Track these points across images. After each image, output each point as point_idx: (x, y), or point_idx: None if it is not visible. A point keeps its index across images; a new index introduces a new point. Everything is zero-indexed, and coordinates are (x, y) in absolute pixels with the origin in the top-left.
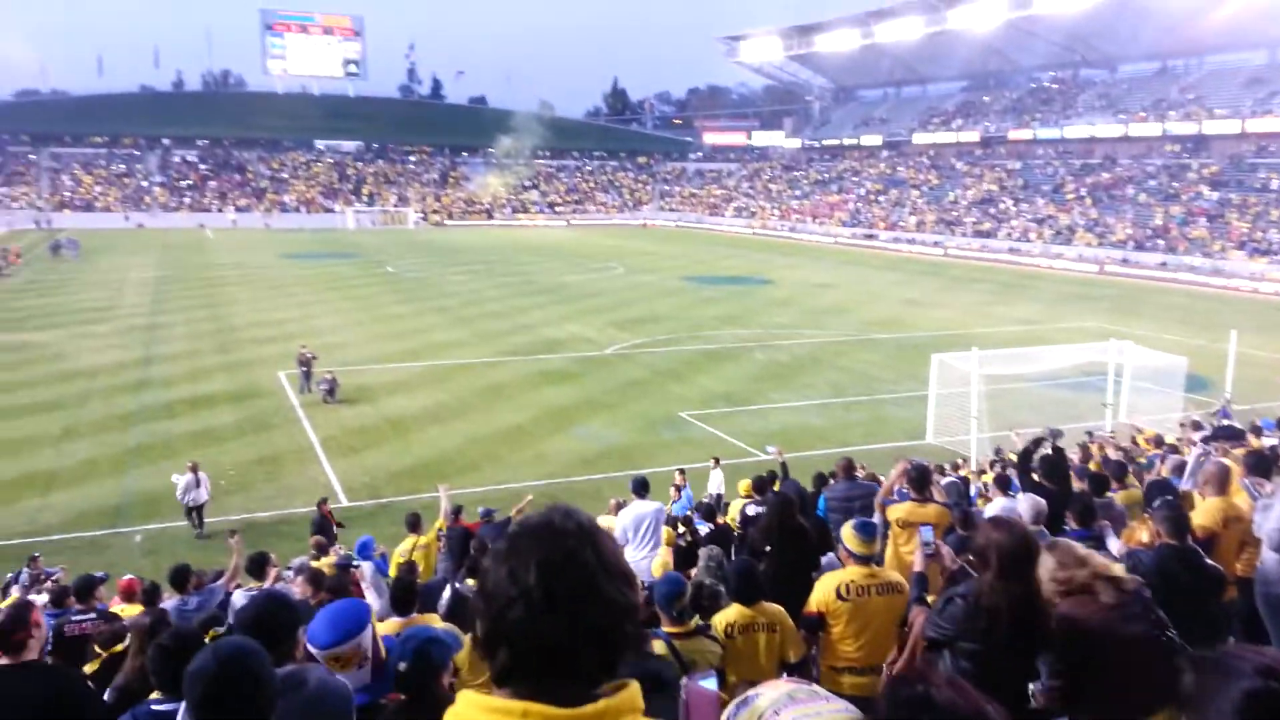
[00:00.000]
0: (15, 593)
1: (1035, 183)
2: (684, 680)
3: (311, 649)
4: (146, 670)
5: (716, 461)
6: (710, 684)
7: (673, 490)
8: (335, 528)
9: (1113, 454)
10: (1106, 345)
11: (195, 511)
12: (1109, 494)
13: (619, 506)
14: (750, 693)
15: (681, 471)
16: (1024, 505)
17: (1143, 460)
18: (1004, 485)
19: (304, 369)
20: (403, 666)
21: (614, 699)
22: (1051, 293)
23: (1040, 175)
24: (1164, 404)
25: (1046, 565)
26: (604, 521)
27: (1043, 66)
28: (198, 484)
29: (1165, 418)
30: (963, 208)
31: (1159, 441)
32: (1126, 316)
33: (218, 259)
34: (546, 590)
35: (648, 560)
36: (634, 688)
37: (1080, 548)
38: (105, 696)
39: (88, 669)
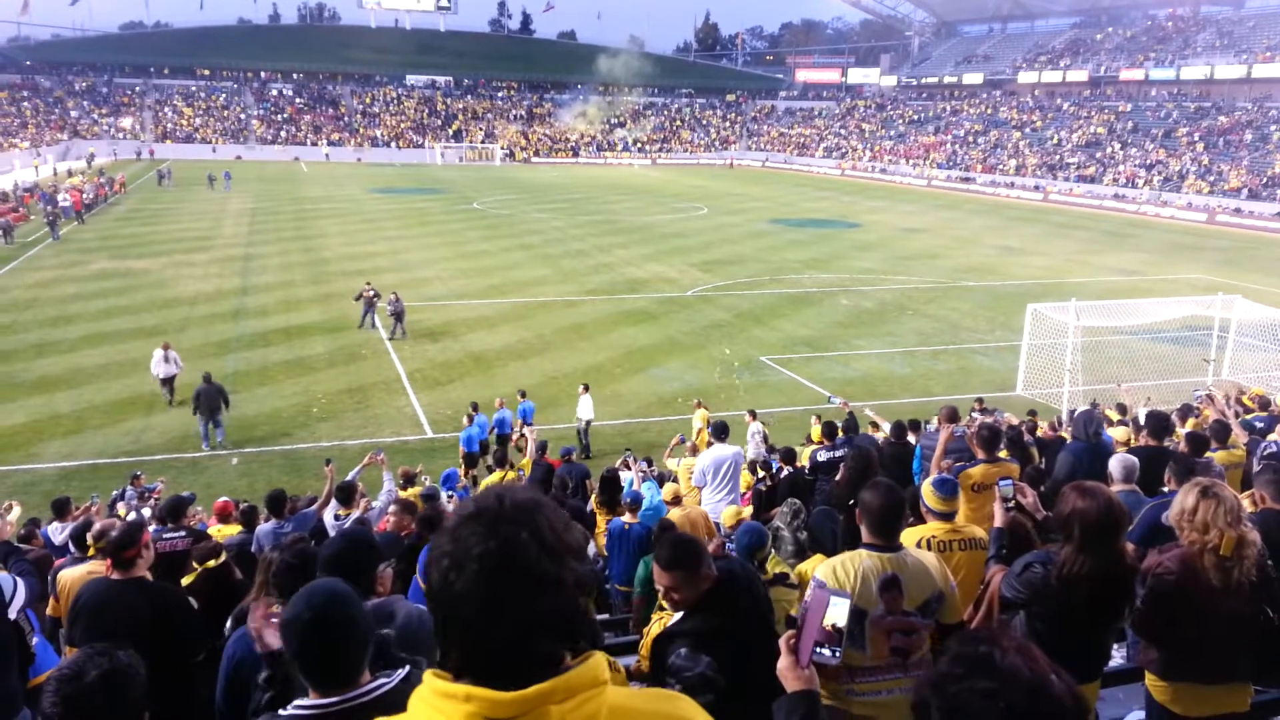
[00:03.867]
0: (121, 508)
1: (1145, 126)
2: (813, 583)
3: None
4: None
5: (585, 388)
6: (837, 597)
7: (465, 419)
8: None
9: (1214, 415)
10: (1213, 299)
11: (167, 383)
12: (1208, 454)
13: (689, 447)
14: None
15: (474, 405)
16: (1115, 464)
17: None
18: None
19: (367, 306)
20: None
21: (564, 676)
22: (1157, 242)
23: (1151, 118)
24: (1272, 361)
25: (1200, 511)
26: (674, 464)
27: (1160, 2)
28: (166, 360)
29: (1271, 375)
30: (1067, 150)
31: (1264, 403)
32: (1236, 269)
33: (310, 192)
34: (491, 590)
35: (725, 503)
36: (596, 660)
37: (1245, 508)
38: (228, 622)
39: (185, 581)
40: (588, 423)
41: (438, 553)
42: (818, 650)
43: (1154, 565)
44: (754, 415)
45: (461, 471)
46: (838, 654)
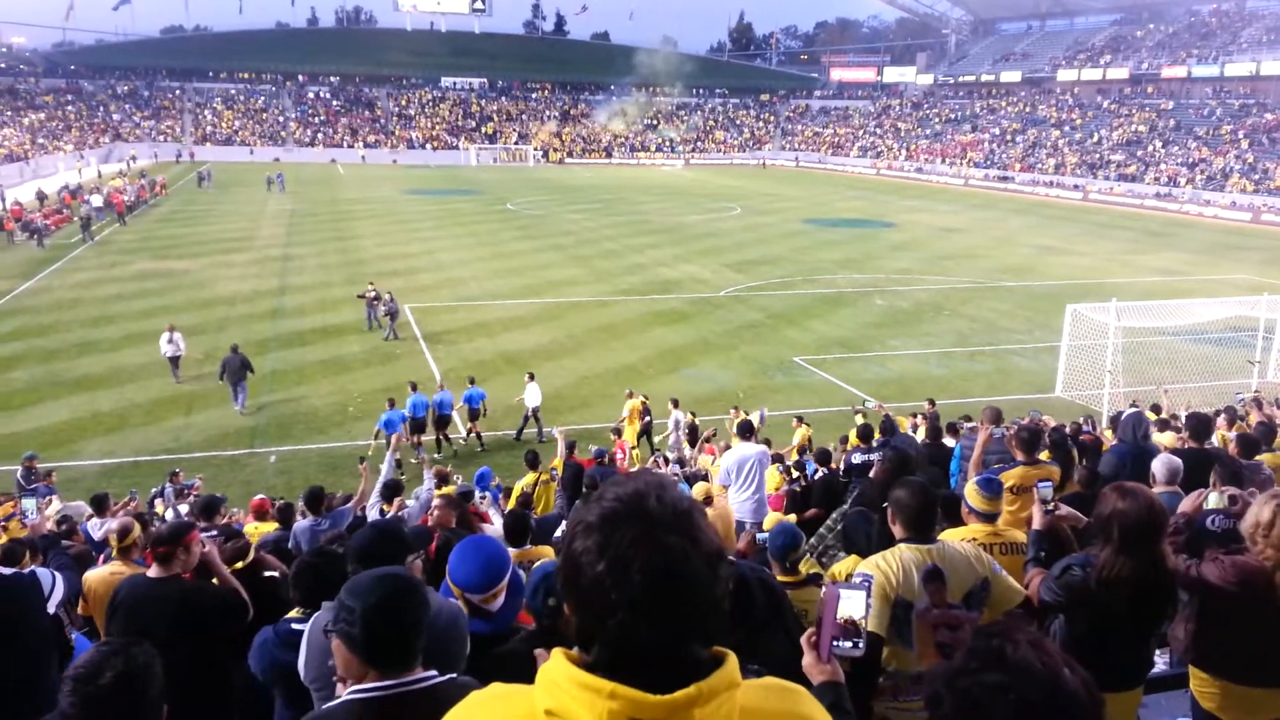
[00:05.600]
0: (159, 504)
1: (1188, 124)
2: (827, 582)
3: (467, 595)
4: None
5: (531, 377)
6: (849, 590)
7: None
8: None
9: (1259, 417)
10: (1258, 299)
11: (173, 362)
12: (1257, 457)
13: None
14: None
15: (412, 384)
16: (1159, 465)
17: None
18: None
19: (370, 307)
20: (552, 601)
21: (707, 680)
22: (1200, 241)
23: (1194, 116)
24: None
25: (1278, 525)
26: (708, 461)
27: None
28: (170, 341)
29: None
30: (1107, 149)
31: None
32: None
33: (347, 194)
34: (653, 597)
35: (750, 502)
36: (730, 663)
37: None
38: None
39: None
40: (534, 410)
41: (587, 553)
42: (837, 644)
43: (1201, 572)
44: (676, 404)
45: (374, 450)
46: (859, 645)
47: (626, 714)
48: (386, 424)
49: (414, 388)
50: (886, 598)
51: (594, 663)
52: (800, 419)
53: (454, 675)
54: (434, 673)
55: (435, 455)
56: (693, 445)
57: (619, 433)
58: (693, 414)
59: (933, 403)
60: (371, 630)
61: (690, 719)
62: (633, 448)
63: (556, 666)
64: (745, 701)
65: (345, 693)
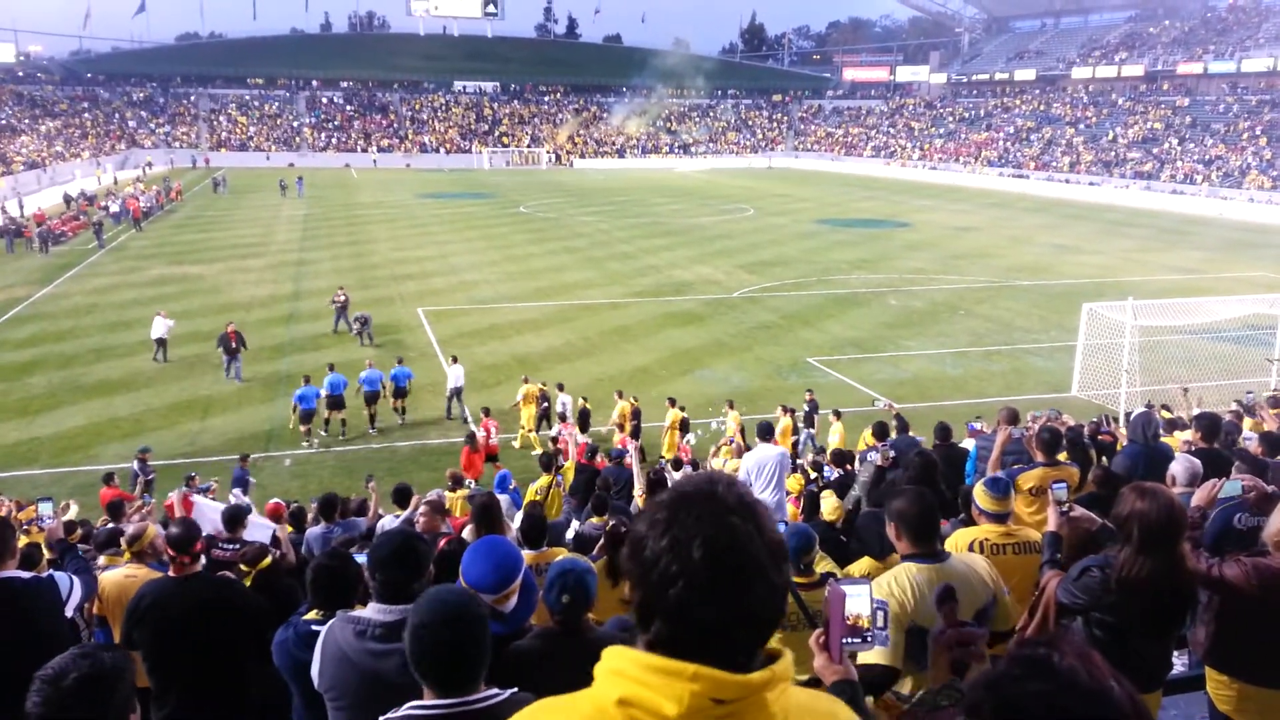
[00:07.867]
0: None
1: (1205, 121)
2: (830, 581)
3: (481, 596)
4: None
5: (455, 360)
6: (853, 588)
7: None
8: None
9: (1273, 413)
10: (1276, 297)
11: (160, 344)
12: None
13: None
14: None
15: (330, 365)
16: (1179, 466)
17: None
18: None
19: (340, 310)
20: (566, 599)
21: (777, 665)
22: (1216, 239)
23: (1211, 113)
24: None
25: None
26: (718, 464)
27: None
28: (162, 328)
29: None
30: (1122, 147)
31: None
32: None
33: (361, 198)
34: (712, 573)
35: (770, 502)
36: (789, 656)
37: None
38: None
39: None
40: (454, 391)
41: (654, 526)
42: (847, 641)
43: (1223, 572)
44: (561, 388)
45: (295, 424)
46: (869, 640)
47: (708, 694)
48: (300, 398)
49: (331, 368)
50: (900, 624)
51: (653, 641)
52: (838, 414)
53: (516, 690)
54: (496, 690)
55: (371, 430)
56: (584, 430)
57: (487, 411)
58: (584, 398)
59: (810, 392)
60: (423, 649)
61: (763, 703)
62: (529, 430)
63: (622, 656)
64: (798, 696)
65: (405, 707)
